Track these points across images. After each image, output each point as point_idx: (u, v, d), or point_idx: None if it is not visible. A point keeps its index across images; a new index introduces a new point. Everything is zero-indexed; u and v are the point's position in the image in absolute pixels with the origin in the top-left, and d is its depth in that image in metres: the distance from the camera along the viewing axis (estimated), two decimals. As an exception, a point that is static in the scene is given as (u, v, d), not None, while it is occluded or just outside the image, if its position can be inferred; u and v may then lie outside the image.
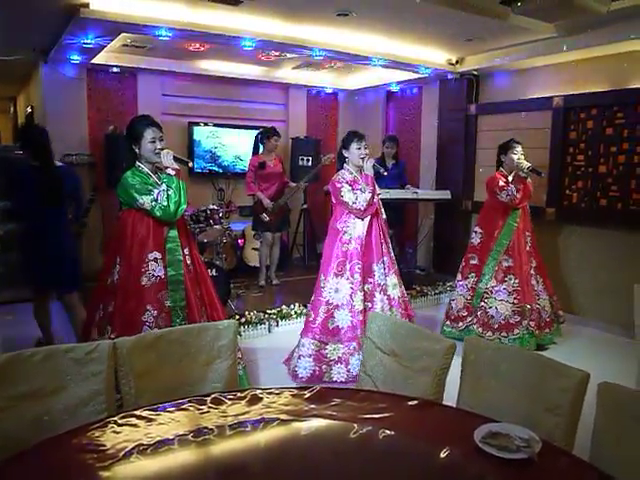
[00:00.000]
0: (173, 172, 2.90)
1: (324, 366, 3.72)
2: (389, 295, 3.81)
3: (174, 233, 2.98)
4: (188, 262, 3.04)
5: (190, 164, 2.91)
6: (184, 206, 2.91)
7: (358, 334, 3.65)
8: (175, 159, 2.90)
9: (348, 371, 3.67)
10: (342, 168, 3.87)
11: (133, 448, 1.48)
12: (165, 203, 2.84)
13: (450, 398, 2.04)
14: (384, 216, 4.01)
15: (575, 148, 5.13)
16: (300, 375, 3.73)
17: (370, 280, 3.78)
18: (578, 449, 1.71)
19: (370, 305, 3.75)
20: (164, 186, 2.86)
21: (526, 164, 4.24)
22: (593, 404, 1.69)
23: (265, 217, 5.73)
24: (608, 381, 1.69)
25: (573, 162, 5.15)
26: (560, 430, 1.71)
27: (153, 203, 2.84)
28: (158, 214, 2.86)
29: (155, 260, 2.91)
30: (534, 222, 4.63)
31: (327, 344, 3.73)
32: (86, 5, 3.94)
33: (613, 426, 1.63)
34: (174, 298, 2.93)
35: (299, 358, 3.77)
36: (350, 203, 3.71)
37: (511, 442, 1.48)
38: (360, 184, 3.77)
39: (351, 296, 3.71)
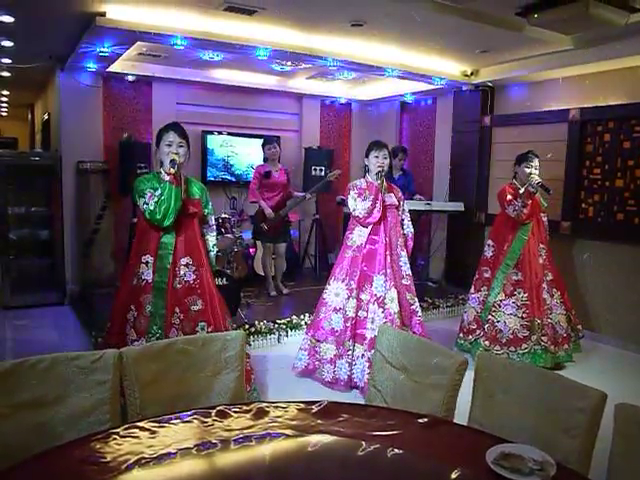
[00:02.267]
0: (167, 177, 2.89)
1: (317, 362, 3.92)
2: (386, 308, 3.76)
3: (168, 240, 2.97)
4: (182, 272, 3.00)
5: (172, 170, 2.88)
6: (174, 215, 2.87)
7: (345, 339, 3.78)
8: (171, 163, 2.89)
9: (334, 372, 3.82)
10: (364, 176, 3.97)
11: (135, 461, 1.45)
12: (152, 208, 2.84)
13: (461, 414, 1.99)
14: (408, 229, 4.04)
15: (591, 161, 5.06)
16: (296, 365, 4.00)
17: (368, 290, 3.81)
18: (594, 472, 1.65)
19: (365, 314, 3.79)
20: (159, 191, 2.87)
21: (536, 179, 4.16)
22: (610, 425, 1.63)
23: (264, 226, 5.71)
24: (626, 401, 1.62)
25: (589, 175, 5.08)
26: (575, 452, 1.65)
27: (144, 206, 2.87)
28: (147, 217, 2.88)
29: (146, 263, 2.95)
30: (549, 235, 4.55)
31: (321, 343, 3.90)
32: (102, 14, 3.99)
33: (631, 449, 1.56)
34: (156, 305, 2.95)
35: (299, 350, 4.02)
36: (351, 210, 3.85)
37: (524, 464, 1.43)
38: (365, 193, 3.81)
39: (346, 301, 3.82)
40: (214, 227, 3.37)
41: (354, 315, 3.79)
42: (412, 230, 4.06)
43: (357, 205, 3.79)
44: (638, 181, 4.68)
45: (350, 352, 3.77)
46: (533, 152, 4.32)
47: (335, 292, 3.88)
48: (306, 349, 3.97)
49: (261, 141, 6.02)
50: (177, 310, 2.98)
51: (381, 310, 3.75)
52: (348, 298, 3.81)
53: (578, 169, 5.14)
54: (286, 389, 3.76)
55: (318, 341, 3.91)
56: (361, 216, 3.77)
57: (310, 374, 3.93)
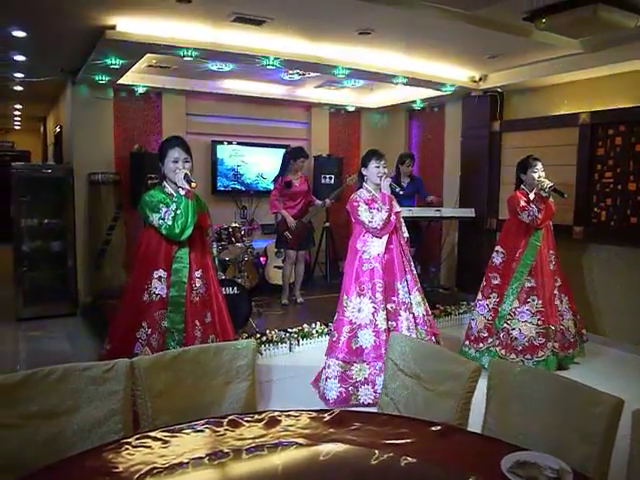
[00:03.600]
0: (183, 192, 2.89)
1: (350, 387, 3.66)
2: (414, 313, 3.75)
3: (182, 253, 2.97)
4: (197, 285, 3.00)
5: (194, 184, 2.88)
6: (191, 228, 2.87)
7: (382, 353, 3.58)
8: (185, 178, 2.90)
9: (375, 392, 3.58)
10: (361, 187, 3.90)
11: (147, 471, 1.44)
12: (170, 223, 2.83)
13: (475, 423, 1.96)
14: (406, 234, 3.99)
15: (603, 165, 5.01)
16: (328, 397, 3.68)
17: (394, 299, 3.73)
18: (612, 481, 1.62)
19: (395, 324, 3.70)
20: (174, 206, 2.86)
21: (547, 183, 4.12)
22: (625, 430, 1.60)
23: (288, 235, 5.73)
24: (637, 405, 1.60)
25: (601, 179, 5.03)
26: (593, 460, 1.62)
27: (160, 221, 2.86)
28: (164, 232, 2.87)
29: (159, 278, 2.91)
30: (562, 240, 4.51)
31: (352, 365, 3.67)
32: (112, 27, 4.04)
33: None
34: (172, 319, 2.91)
35: (326, 380, 3.72)
36: (366, 222, 3.70)
37: (540, 472, 1.41)
38: (378, 203, 3.76)
39: (374, 315, 3.66)
40: (214, 239, 3.40)
41: (386, 327, 3.65)
42: (407, 235, 4.00)
43: (374, 217, 3.68)
44: (651, 184, 4.64)
45: None
46: (533, 156, 4.29)
47: (358, 308, 3.69)
48: (336, 376, 3.66)
49: (270, 150, 6.05)
50: (197, 323, 2.98)
51: (412, 316, 3.72)
52: (376, 311, 3.66)
53: (590, 173, 5.10)
54: (298, 397, 3.74)
55: (348, 363, 3.66)
56: (379, 227, 3.68)
57: (345, 403, 3.60)
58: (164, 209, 2.87)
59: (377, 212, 3.70)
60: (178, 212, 2.83)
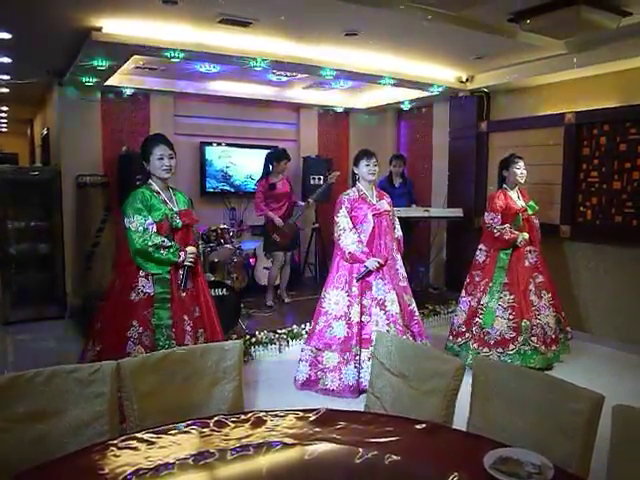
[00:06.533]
0: (180, 259, 2.99)
1: (319, 372, 3.89)
2: (387, 311, 3.83)
3: None
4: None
5: (189, 286, 3.07)
6: (141, 263, 2.94)
7: (352, 344, 3.81)
8: (183, 278, 3.02)
9: (340, 379, 3.81)
10: (354, 186, 4.07)
11: (132, 473, 1.45)
12: (136, 241, 2.88)
13: (459, 420, 1.98)
14: (400, 233, 4.14)
15: (588, 164, 5.07)
16: (297, 378, 3.97)
17: (368, 294, 3.87)
18: (594, 475, 1.64)
19: (368, 319, 3.85)
20: (165, 242, 2.93)
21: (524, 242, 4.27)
22: (608, 426, 1.62)
23: (277, 237, 5.74)
24: (620, 401, 1.62)
25: (587, 179, 5.09)
26: (574, 455, 1.65)
27: (130, 226, 2.90)
28: (127, 238, 2.93)
29: (145, 276, 2.96)
30: (549, 239, 4.56)
31: (323, 352, 3.89)
32: (98, 29, 4.02)
33: (630, 451, 1.56)
34: (160, 316, 2.97)
35: (299, 362, 3.99)
36: (335, 235, 3.94)
37: (522, 468, 1.43)
38: (367, 201, 3.92)
39: (348, 308, 3.85)
40: (198, 236, 3.44)
41: (359, 320, 3.83)
42: (401, 233, 4.17)
43: (341, 236, 3.88)
44: (635, 183, 4.69)
45: (357, 357, 3.81)
46: (516, 154, 4.40)
47: (335, 300, 3.90)
48: (307, 360, 3.93)
49: (259, 151, 6.05)
50: (186, 318, 3.02)
51: (383, 312, 3.82)
52: (350, 305, 3.84)
53: (575, 172, 5.15)
54: (287, 399, 3.75)
55: (319, 350, 3.90)
56: (340, 246, 3.89)
57: (312, 385, 3.90)
58: (134, 220, 2.91)
59: (350, 232, 3.87)
60: (161, 249, 2.90)
